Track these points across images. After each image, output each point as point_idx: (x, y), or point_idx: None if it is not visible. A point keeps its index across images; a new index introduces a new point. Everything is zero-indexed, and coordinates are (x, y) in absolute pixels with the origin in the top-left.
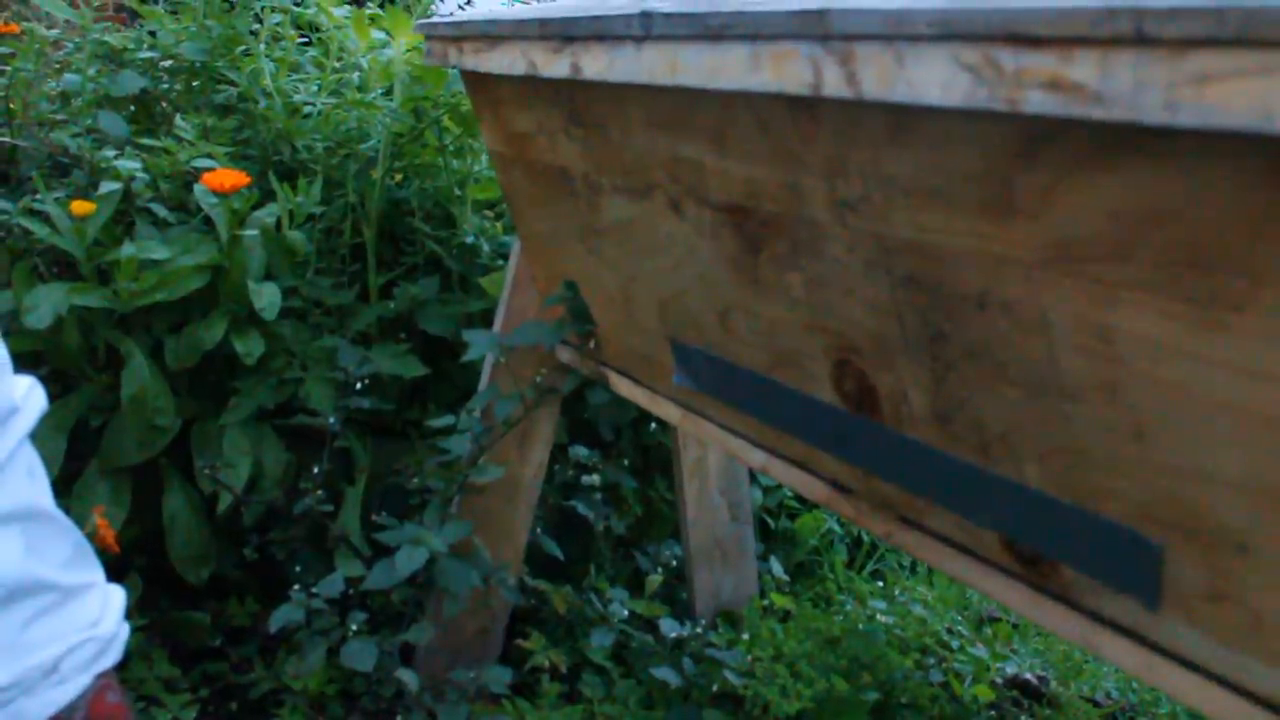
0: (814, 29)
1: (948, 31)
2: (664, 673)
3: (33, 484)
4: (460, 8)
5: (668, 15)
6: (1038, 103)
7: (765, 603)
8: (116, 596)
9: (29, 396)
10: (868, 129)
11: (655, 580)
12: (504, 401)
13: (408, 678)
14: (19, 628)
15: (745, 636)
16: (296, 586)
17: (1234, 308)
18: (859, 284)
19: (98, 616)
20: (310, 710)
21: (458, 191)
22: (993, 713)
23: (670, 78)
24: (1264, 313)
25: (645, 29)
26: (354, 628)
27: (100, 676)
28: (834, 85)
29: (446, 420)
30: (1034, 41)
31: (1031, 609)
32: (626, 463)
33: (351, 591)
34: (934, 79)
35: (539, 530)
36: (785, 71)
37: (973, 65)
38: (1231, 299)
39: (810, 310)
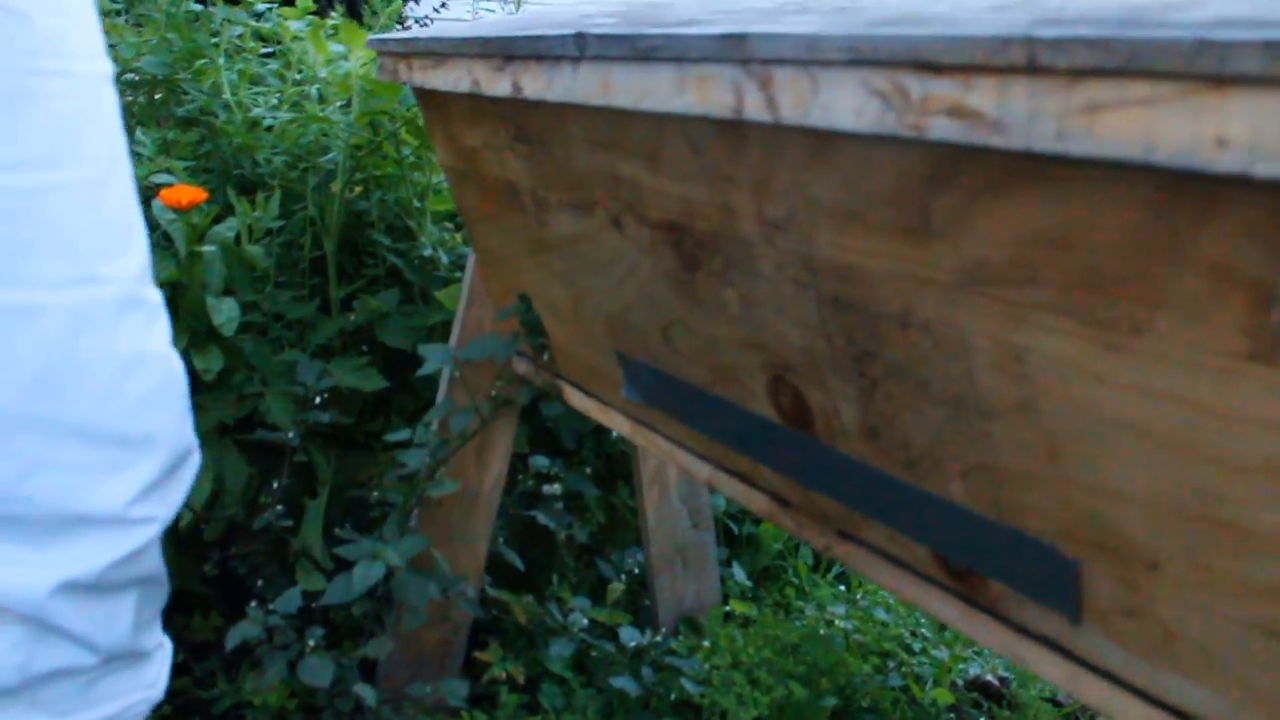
0: (735, 53)
1: (858, 58)
2: (623, 682)
3: (158, 545)
4: (436, 10)
5: (600, 37)
6: (942, 129)
7: (727, 609)
8: (168, 656)
9: None
10: (790, 151)
11: (617, 588)
12: (460, 415)
13: (365, 693)
14: (89, 684)
15: (706, 644)
16: (254, 604)
17: (1133, 331)
18: (789, 302)
19: (155, 678)
20: None
21: (417, 203)
22: (952, 715)
23: (604, 98)
24: (1161, 337)
25: (580, 50)
26: (311, 643)
27: None
28: (754, 109)
29: (403, 434)
30: (937, 69)
31: (963, 622)
32: (589, 470)
33: (313, 605)
34: (846, 104)
35: (501, 540)
36: (709, 94)
37: (882, 91)
38: (1130, 323)
39: (746, 327)
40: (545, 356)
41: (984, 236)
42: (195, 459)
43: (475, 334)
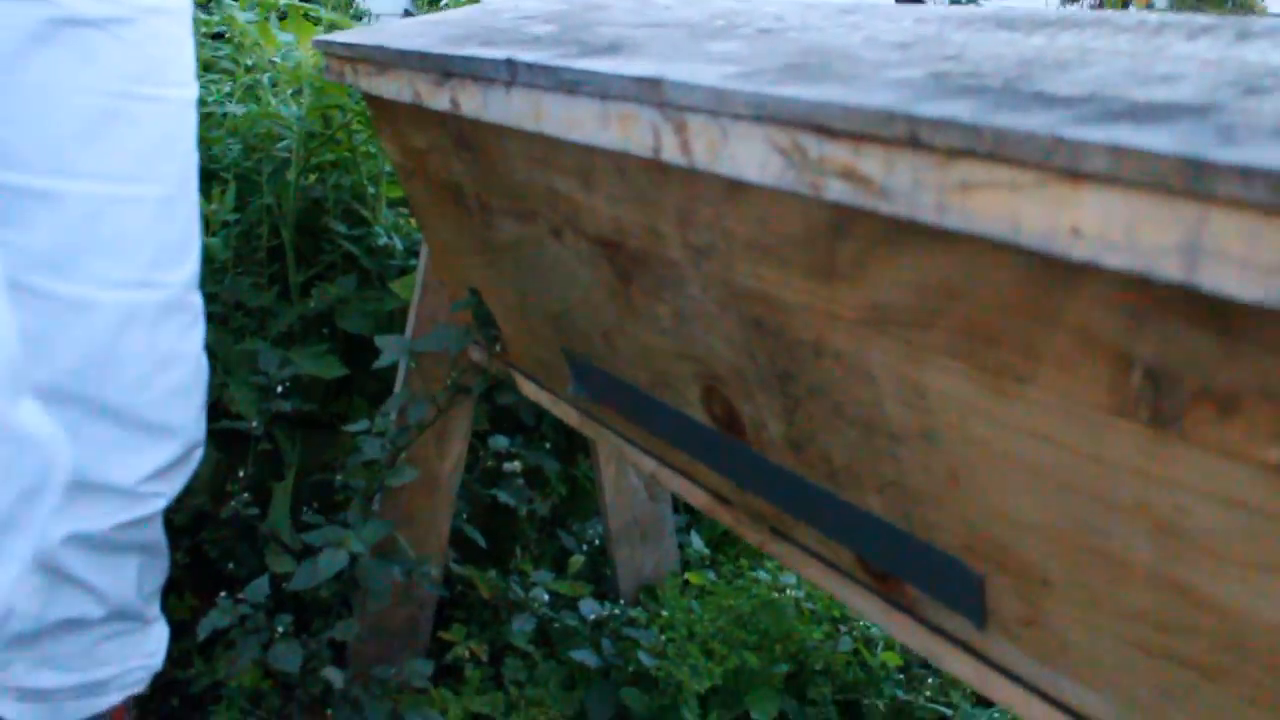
0: (652, 97)
1: (762, 114)
2: (583, 655)
3: (160, 518)
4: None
5: (529, 66)
6: (836, 191)
7: (685, 578)
8: (166, 633)
9: None
10: (709, 187)
11: (578, 560)
12: (417, 405)
13: (333, 675)
14: (95, 643)
15: (664, 613)
16: (223, 594)
17: (1017, 380)
18: (716, 322)
19: (155, 649)
20: (248, 704)
21: (371, 190)
22: (901, 676)
23: (536, 125)
24: (1041, 387)
25: (510, 76)
26: (280, 629)
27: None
28: (671, 151)
29: (362, 425)
30: (833, 133)
31: (884, 619)
32: (549, 445)
33: (283, 586)
34: (752, 158)
35: (464, 518)
36: (630, 133)
37: (784, 149)
38: (1014, 372)
39: (678, 339)
40: (498, 348)
41: (883, 282)
42: (201, 451)
43: (430, 324)
